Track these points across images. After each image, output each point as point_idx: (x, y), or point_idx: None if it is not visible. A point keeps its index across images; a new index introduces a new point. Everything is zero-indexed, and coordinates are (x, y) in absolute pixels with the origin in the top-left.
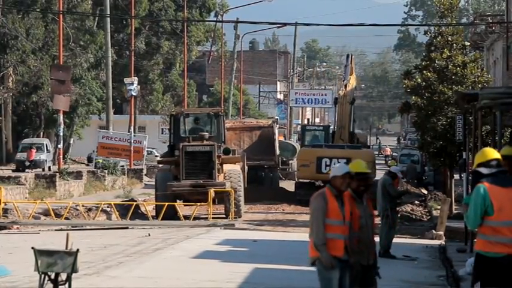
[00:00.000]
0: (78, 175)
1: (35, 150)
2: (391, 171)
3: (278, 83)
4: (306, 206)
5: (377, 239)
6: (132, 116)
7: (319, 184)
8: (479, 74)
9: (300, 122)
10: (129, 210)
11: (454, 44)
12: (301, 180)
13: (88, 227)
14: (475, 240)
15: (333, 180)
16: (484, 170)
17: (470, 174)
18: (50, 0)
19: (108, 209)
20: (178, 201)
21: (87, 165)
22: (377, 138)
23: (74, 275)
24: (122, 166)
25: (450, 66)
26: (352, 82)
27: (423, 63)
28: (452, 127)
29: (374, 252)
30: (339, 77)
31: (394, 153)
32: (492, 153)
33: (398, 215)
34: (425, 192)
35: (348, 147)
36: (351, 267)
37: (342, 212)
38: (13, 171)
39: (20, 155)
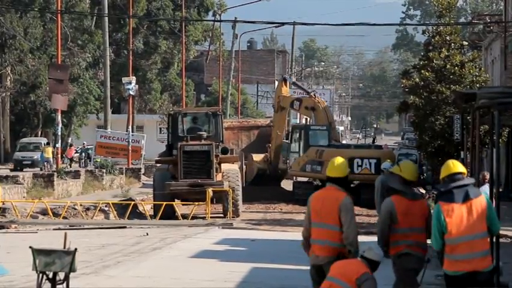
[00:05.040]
0: (76, 174)
1: (74, 149)
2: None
3: (276, 82)
4: (303, 205)
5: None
6: (130, 116)
7: (317, 184)
8: (477, 73)
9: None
10: (127, 210)
11: (452, 44)
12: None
13: (86, 227)
14: None
15: None
16: (441, 187)
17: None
18: None
19: (106, 209)
20: (176, 200)
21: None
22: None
23: (71, 274)
24: (121, 168)
25: (448, 66)
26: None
27: (421, 63)
28: (450, 126)
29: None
30: (337, 77)
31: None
32: (450, 168)
33: None
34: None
35: (375, 147)
36: None
37: None
38: (11, 170)
39: (18, 154)
